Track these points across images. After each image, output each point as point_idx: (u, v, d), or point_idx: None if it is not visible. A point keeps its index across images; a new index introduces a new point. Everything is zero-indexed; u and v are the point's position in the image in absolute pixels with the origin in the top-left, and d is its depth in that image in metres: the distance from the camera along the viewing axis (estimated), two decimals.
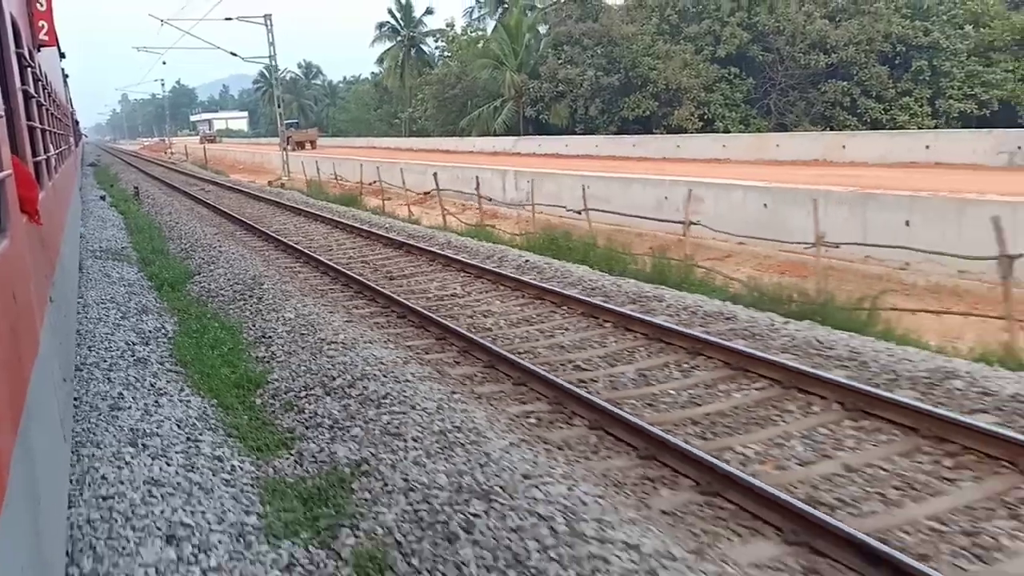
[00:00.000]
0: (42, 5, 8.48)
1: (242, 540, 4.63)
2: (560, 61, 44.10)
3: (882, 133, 32.56)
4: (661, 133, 39.58)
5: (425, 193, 23.17)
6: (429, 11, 69.49)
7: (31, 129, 6.08)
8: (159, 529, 4.58)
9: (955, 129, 33.60)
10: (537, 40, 49.70)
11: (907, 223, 12.80)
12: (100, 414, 6.55)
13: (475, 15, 63.04)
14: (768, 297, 9.48)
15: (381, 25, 69.42)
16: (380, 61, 71.56)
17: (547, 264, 11.95)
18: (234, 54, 37.32)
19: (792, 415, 5.86)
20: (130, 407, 6.72)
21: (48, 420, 3.68)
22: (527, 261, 12.28)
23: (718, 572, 3.71)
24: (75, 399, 6.74)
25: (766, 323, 8.00)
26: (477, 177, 20.82)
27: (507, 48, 48.34)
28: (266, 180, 39.31)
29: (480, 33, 60.15)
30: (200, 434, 6.26)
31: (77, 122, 37.83)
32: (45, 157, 7.30)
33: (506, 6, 56.08)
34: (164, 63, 61.56)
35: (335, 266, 12.44)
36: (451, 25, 65.35)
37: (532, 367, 6.93)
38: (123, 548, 4.33)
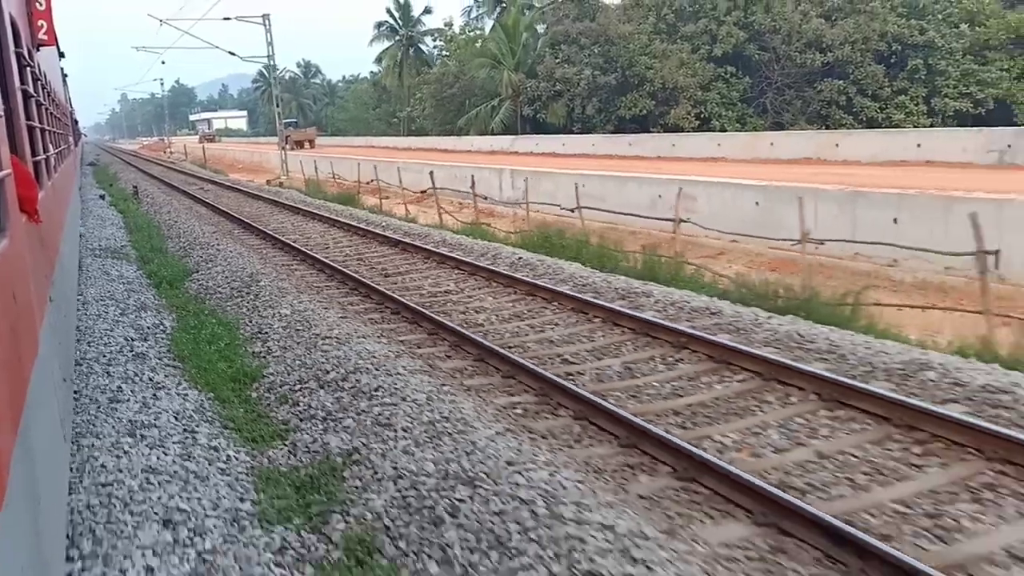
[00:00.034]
0: (41, 4, 8.46)
1: (236, 524, 4.81)
2: (557, 60, 44.26)
3: (875, 132, 32.74)
4: (658, 132, 39.73)
5: (422, 192, 23.35)
6: (427, 10, 69.74)
7: (30, 129, 6.06)
8: (156, 514, 4.77)
9: (946, 128, 33.79)
10: (535, 39, 49.85)
11: (895, 220, 12.99)
12: (99, 406, 6.73)
13: (473, 14, 63.25)
14: (755, 293, 9.66)
15: (379, 24, 69.61)
16: (379, 60, 71.73)
17: (540, 261, 12.13)
18: (232, 54, 37.48)
19: (770, 405, 6.05)
20: (129, 400, 6.90)
21: (48, 420, 3.68)
22: (520, 258, 12.46)
23: (688, 550, 3.90)
24: (75, 392, 6.92)
25: (750, 318, 8.19)
26: (472, 176, 21.00)
27: (505, 47, 48.52)
28: (265, 179, 39.47)
29: (478, 32, 60.30)
30: (197, 426, 6.44)
31: (76, 121, 37.98)
32: (44, 157, 7.30)
33: (504, 5, 56.24)
34: (163, 63, 61.76)
35: (331, 263, 12.62)
36: (449, 24, 65.57)
37: (521, 360, 7.11)
38: (121, 531, 4.52)
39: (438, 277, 11.80)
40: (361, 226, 17.43)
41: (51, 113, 9.98)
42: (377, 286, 10.75)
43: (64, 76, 19.90)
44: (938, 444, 5.09)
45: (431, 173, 21.49)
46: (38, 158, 6.39)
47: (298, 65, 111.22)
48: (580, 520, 4.15)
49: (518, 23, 48.94)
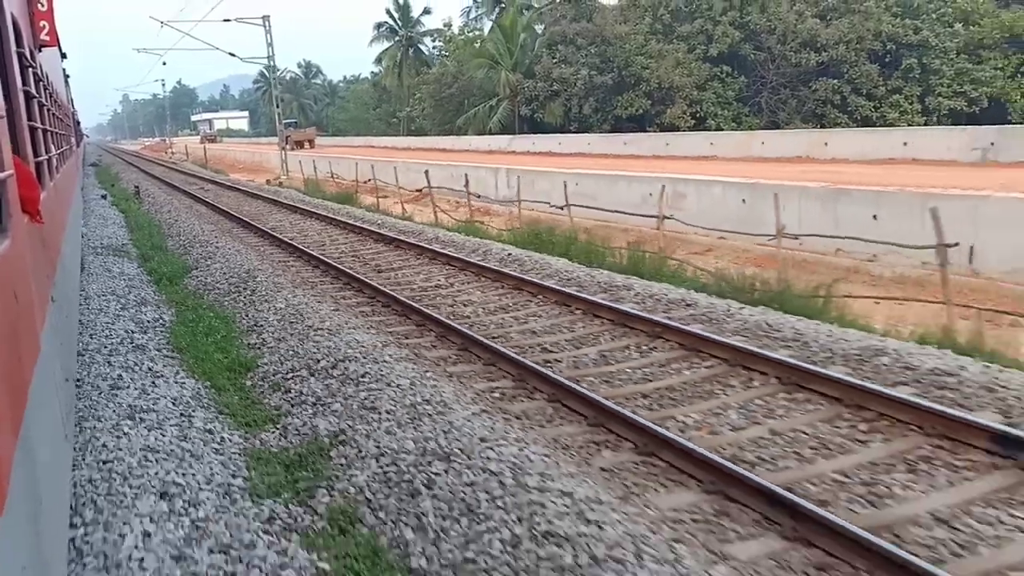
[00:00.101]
0: (43, 5, 8.50)
1: (228, 497, 5.17)
2: (554, 60, 44.60)
3: (863, 131, 33.12)
4: (654, 131, 40.06)
5: (418, 191, 23.71)
6: (427, 11, 70.16)
7: (32, 129, 6.05)
8: (153, 487, 5.14)
9: (932, 126, 34.14)
10: (532, 40, 50.20)
11: (875, 217, 13.33)
12: (101, 392, 7.11)
13: (472, 15, 63.59)
14: (732, 286, 10.02)
15: (379, 25, 69.98)
16: (378, 61, 72.11)
17: (528, 257, 12.49)
18: (232, 55, 37.87)
19: (733, 389, 6.41)
20: (128, 387, 7.28)
21: (50, 420, 3.68)
22: (510, 255, 12.82)
23: (638, 513, 4.26)
24: (77, 380, 7.29)
25: (723, 309, 8.55)
26: (466, 175, 21.36)
27: (502, 48, 48.88)
28: (265, 179, 39.86)
29: (477, 33, 60.65)
30: (193, 411, 6.80)
31: (78, 122, 38.34)
32: (47, 157, 7.35)
33: (503, 6, 56.59)
34: (164, 64, 62.06)
35: (326, 260, 12.99)
36: (448, 25, 65.95)
37: (502, 349, 7.47)
38: (121, 502, 4.89)
39: (429, 273, 12.16)
40: (357, 224, 17.79)
41: (53, 114, 10.07)
42: (370, 281, 11.11)
43: (66, 77, 20.22)
44: (883, 422, 5.45)
45: (426, 172, 21.84)
46: (40, 159, 6.42)
47: (299, 65, 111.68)
48: (543, 488, 4.51)
49: (516, 24, 49.30)
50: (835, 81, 38.28)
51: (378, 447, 5.62)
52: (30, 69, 6.44)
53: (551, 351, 7.81)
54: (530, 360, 7.17)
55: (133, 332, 9.47)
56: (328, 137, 78.92)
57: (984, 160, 21.93)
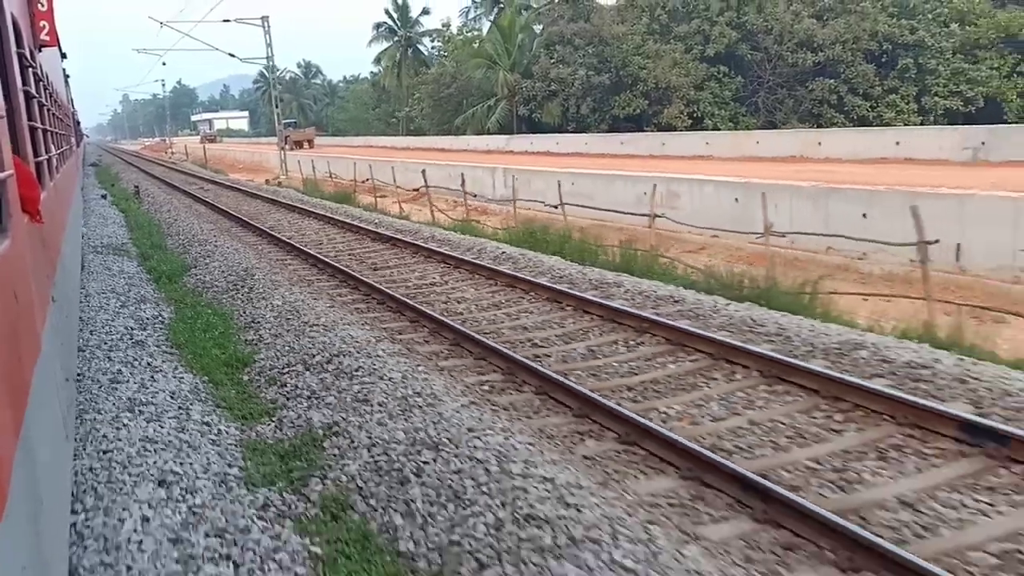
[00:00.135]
0: (43, 5, 8.50)
1: (224, 485, 5.36)
2: (552, 61, 44.79)
3: (856, 130, 33.33)
4: (652, 131, 40.25)
5: (415, 190, 23.89)
6: (426, 11, 70.34)
7: (32, 129, 6.04)
8: (152, 475, 5.32)
9: (924, 126, 34.36)
10: (530, 40, 50.40)
11: (864, 216, 13.51)
12: (101, 386, 7.30)
13: (471, 15, 63.76)
14: (721, 283, 10.20)
15: (378, 25, 70.17)
16: (377, 61, 72.30)
17: (522, 255, 12.67)
18: (232, 55, 38.05)
19: (716, 381, 6.59)
20: (128, 381, 7.47)
21: (50, 421, 3.69)
22: (503, 253, 13.00)
23: (616, 497, 4.44)
24: (78, 375, 7.47)
25: (710, 305, 8.73)
26: (463, 174, 21.54)
27: (500, 48, 49.06)
28: (264, 179, 40.04)
29: (476, 33, 60.84)
30: (191, 404, 6.99)
31: (79, 122, 38.51)
32: (47, 157, 7.34)
33: (502, 6, 56.77)
34: (164, 64, 62.28)
35: (323, 258, 13.16)
36: (447, 25, 66.17)
37: (493, 344, 7.64)
38: (120, 488, 5.08)
39: (424, 271, 12.35)
40: (354, 223, 17.97)
41: (53, 114, 10.08)
42: (365, 279, 11.29)
43: (66, 77, 20.37)
44: (858, 412, 5.63)
45: (423, 172, 22.02)
46: (40, 159, 6.43)
47: (299, 65, 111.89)
48: (526, 475, 4.70)
49: (514, 24, 49.48)
50: (832, 81, 38.48)
51: (370, 438, 5.80)
52: (30, 69, 6.46)
53: (541, 346, 7.99)
54: (520, 355, 7.35)
55: (132, 329, 9.65)
56: (328, 137, 79.11)
57: (975, 159, 22.13)
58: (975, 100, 37.52)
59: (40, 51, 8.26)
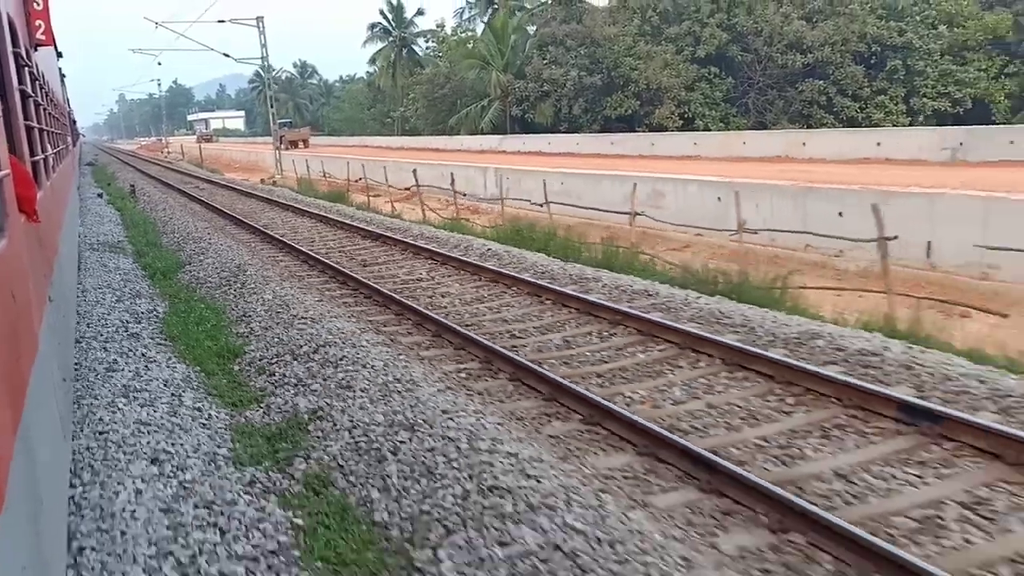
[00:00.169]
0: (39, 4, 8.54)
1: (213, 464, 5.71)
2: (545, 62, 45.19)
3: (839, 131, 33.83)
4: (643, 131, 40.65)
5: (407, 189, 24.24)
6: (420, 12, 70.78)
7: (29, 129, 6.09)
8: (145, 454, 5.68)
9: (903, 127, 34.84)
10: (523, 41, 50.77)
11: (840, 214, 13.90)
12: (97, 375, 7.65)
13: (465, 16, 64.13)
14: (697, 279, 10.57)
15: (373, 26, 70.50)
16: (372, 61, 72.63)
17: (507, 252, 13.03)
18: (227, 55, 38.36)
19: (681, 369, 6.96)
20: (123, 370, 7.82)
21: (48, 420, 3.71)
22: (490, 250, 13.37)
23: (574, 470, 4.81)
24: (75, 364, 7.81)
25: (682, 298, 9.11)
26: (452, 174, 21.91)
27: (494, 49, 49.44)
28: (260, 178, 40.35)
29: (469, 34, 61.22)
30: (183, 392, 7.33)
31: (75, 122, 38.79)
32: (43, 156, 7.35)
33: (495, 7, 57.16)
34: (159, 64, 62.52)
35: (314, 255, 13.52)
36: (441, 26, 66.54)
37: (473, 335, 8.01)
38: (115, 465, 5.43)
39: (412, 267, 12.70)
40: (347, 222, 18.32)
41: (49, 113, 10.20)
42: (354, 274, 11.64)
43: (62, 76, 20.64)
44: (809, 396, 6.01)
45: (414, 171, 22.38)
46: (36, 158, 6.46)
47: (294, 65, 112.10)
48: (493, 451, 5.06)
49: (507, 25, 49.88)
50: (821, 82, 38.92)
51: (351, 421, 6.16)
52: (26, 68, 6.53)
53: (519, 337, 8.35)
54: (498, 345, 7.71)
55: (128, 322, 9.99)
56: (323, 137, 79.42)
57: (954, 160, 22.57)
58: (963, 101, 38.00)
59: (36, 50, 8.37)
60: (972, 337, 8.33)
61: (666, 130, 39.76)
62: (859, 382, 5.89)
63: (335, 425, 6.18)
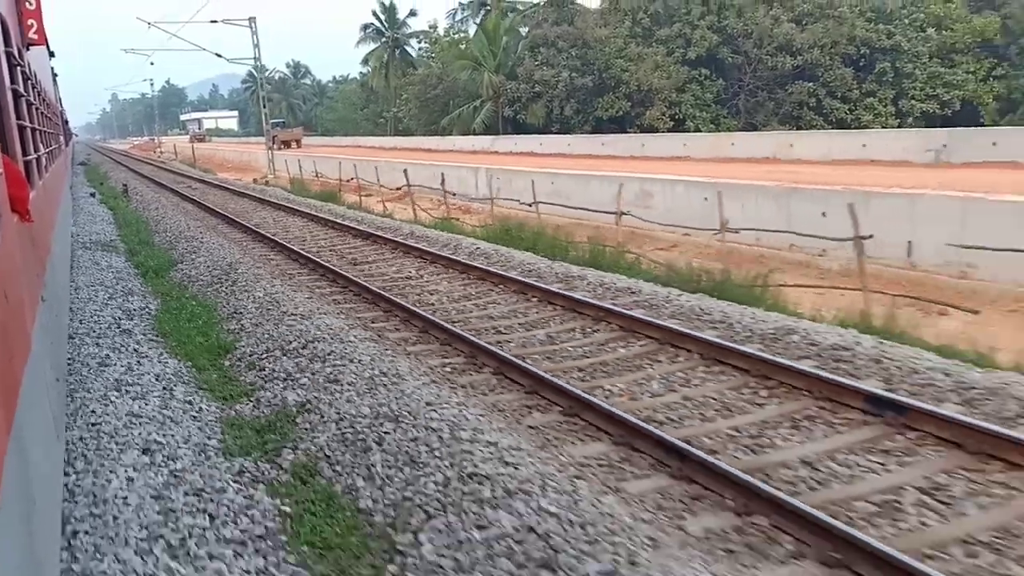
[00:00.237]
0: (31, 4, 8.56)
1: (203, 454, 5.88)
2: (536, 63, 45.44)
3: (825, 133, 34.17)
4: (634, 132, 40.94)
5: (397, 188, 24.42)
6: (413, 13, 70.88)
7: (21, 128, 6.09)
8: (137, 444, 5.85)
9: (888, 129, 35.19)
10: (515, 42, 51.01)
11: (823, 214, 14.12)
12: (90, 369, 7.81)
13: (458, 17, 64.31)
14: (681, 277, 10.78)
15: (366, 27, 70.62)
16: (365, 61, 72.75)
17: (495, 251, 13.22)
18: (219, 55, 38.47)
19: (660, 363, 7.15)
20: (115, 364, 7.98)
21: (41, 420, 3.72)
22: (478, 248, 13.55)
23: (551, 458, 5.00)
24: (68, 359, 7.96)
25: (663, 296, 9.31)
26: (442, 174, 22.11)
27: (486, 50, 49.68)
28: (252, 178, 40.45)
29: (462, 35, 61.43)
30: (174, 386, 7.50)
31: (67, 121, 38.79)
32: (35, 156, 7.35)
33: (488, 9, 57.37)
34: (152, 64, 62.57)
35: (305, 254, 13.67)
36: (434, 27, 66.75)
37: (459, 331, 8.18)
38: (108, 455, 5.60)
39: (402, 265, 12.88)
40: (338, 221, 18.47)
41: (42, 113, 10.21)
42: (344, 272, 11.81)
43: (54, 76, 20.72)
44: (782, 389, 6.21)
45: (405, 171, 22.57)
46: (29, 158, 6.48)
47: (288, 66, 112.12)
48: (473, 440, 5.24)
49: (499, 27, 50.10)
50: (810, 84, 39.28)
51: (338, 413, 6.33)
52: (18, 68, 6.58)
53: (504, 333, 8.54)
54: (483, 340, 7.89)
55: (120, 319, 10.15)
56: (317, 137, 79.49)
57: (937, 161, 22.87)
58: (951, 104, 38.41)
59: (28, 49, 8.41)
60: (946, 333, 8.55)
61: (657, 131, 40.04)
62: (829, 375, 6.09)
63: (323, 417, 6.35)
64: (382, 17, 69.89)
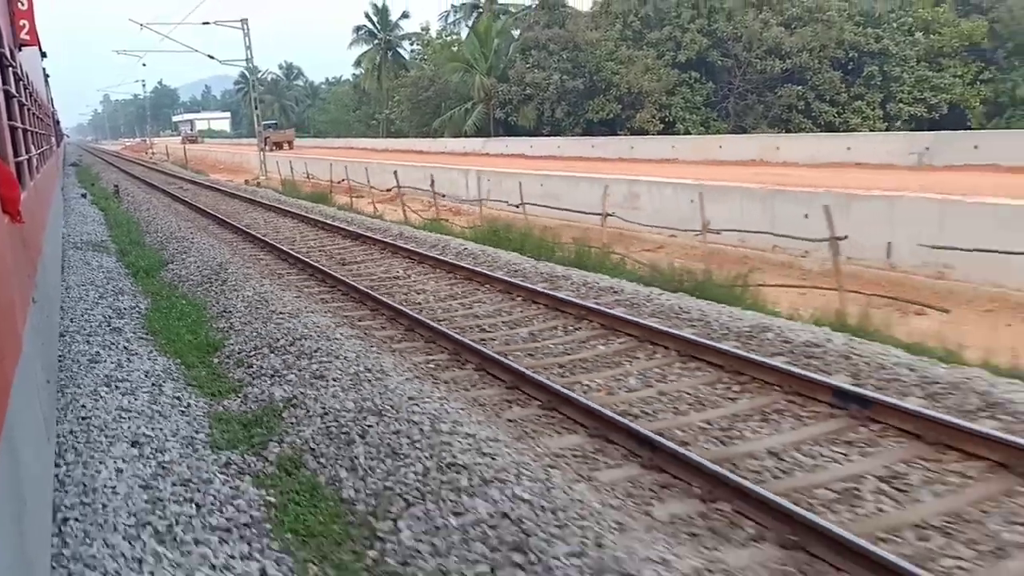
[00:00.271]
0: (23, 4, 8.49)
1: (191, 447, 6.04)
2: (528, 65, 45.71)
3: (811, 136, 34.50)
4: (625, 135, 41.21)
5: (388, 190, 24.57)
6: (405, 15, 71.08)
7: (12, 129, 6.11)
8: (126, 437, 6.01)
9: (874, 132, 35.54)
10: (507, 45, 51.27)
11: (806, 216, 14.33)
12: (80, 365, 7.96)
13: (450, 19, 64.56)
14: (664, 277, 10.97)
15: (358, 28, 70.83)
16: (358, 63, 72.90)
17: (483, 251, 13.40)
18: (211, 57, 38.57)
19: (638, 360, 7.35)
20: (105, 361, 8.13)
21: (32, 421, 3.72)
22: (466, 249, 13.73)
23: (527, 449, 5.18)
24: (59, 356, 8.10)
25: (645, 295, 9.51)
26: (432, 176, 22.28)
27: (477, 52, 49.92)
28: (244, 179, 40.51)
29: (454, 37, 61.67)
30: (163, 382, 7.65)
31: (59, 122, 38.81)
32: (27, 157, 7.35)
33: (480, 11, 57.61)
34: (144, 64, 62.40)
35: (294, 254, 13.82)
36: (426, 29, 66.97)
37: (444, 329, 8.35)
38: (97, 447, 5.76)
39: (390, 265, 13.04)
40: (328, 222, 18.62)
41: (33, 114, 10.26)
42: (333, 272, 11.97)
43: (46, 76, 20.81)
44: (754, 384, 6.41)
45: (395, 172, 22.73)
46: (20, 159, 6.47)
47: (280, 67, 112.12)
48: (453, 432, 5.42)
49: (490, 29, 50.36)
50: (799, 87, 39.61)
51: (323, 408, 6.49)
52: (10, 68, 6.62)
53: (488, 331, 8.72)
54: (467, 338, 8.07)
55: (111, 317, 10.29)
56: (309, 138, 79.55)
57: (920, 164, 23.17)
58: (939, 107, 38.77)
59: (20, 50, 8.48)
60: (918, 331, 8.76)
61: (647, 134, 40.32)
62: (799, 370, 6.29)
63: (308, 412, 6.51)
64: (375, 19, 70.11)
